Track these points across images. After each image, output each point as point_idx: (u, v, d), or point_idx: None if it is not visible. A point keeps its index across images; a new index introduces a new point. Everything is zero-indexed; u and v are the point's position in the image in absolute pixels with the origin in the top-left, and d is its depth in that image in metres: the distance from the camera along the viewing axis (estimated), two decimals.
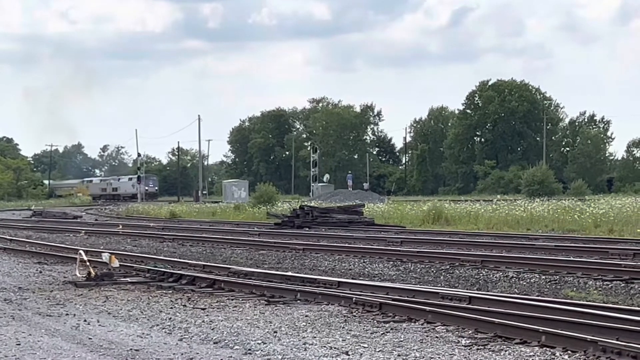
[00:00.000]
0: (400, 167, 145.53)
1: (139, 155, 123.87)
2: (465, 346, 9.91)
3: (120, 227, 39.34)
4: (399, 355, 9.48)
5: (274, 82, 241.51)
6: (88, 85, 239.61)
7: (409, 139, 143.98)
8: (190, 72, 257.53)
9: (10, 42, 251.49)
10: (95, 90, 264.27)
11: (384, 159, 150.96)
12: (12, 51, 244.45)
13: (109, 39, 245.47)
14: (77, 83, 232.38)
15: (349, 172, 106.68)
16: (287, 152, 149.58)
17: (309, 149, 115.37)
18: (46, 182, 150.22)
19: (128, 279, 17.27)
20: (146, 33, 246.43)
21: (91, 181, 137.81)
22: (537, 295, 14.53)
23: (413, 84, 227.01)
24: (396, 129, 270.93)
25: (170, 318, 12.33)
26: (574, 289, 15.65)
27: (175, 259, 22.00)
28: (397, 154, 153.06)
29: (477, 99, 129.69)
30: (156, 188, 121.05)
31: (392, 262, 20.85)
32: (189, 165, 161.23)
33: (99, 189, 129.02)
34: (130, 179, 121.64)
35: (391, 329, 11.10)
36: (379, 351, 9.72)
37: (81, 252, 18.51)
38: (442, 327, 10.97)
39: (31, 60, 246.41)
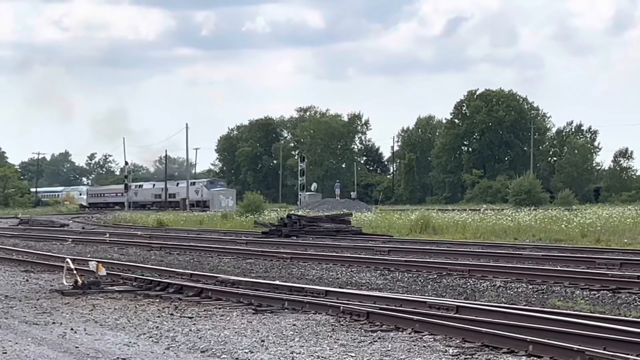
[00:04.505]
0: (388, 176, 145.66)
1: (126, 163, 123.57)
2: (452, 355, 9.91)
3: (108, 235, 39.24)
4: None
5: (265, 90, 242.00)
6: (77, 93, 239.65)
7: (396, 148, 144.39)
8: (182, 80, 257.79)
9: (2, 50, 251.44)
10: (84, 97, 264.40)
11: (371, 168, 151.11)
12: (4, 58, 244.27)
13: (101, 46, 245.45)
14: (66, 90, 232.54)
15: (337, 181, 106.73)
16: (275, 161, 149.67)
17: (296, 157, 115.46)
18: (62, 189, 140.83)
19: (115, 288, 17.22)
20: (139, 41, 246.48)
21: (141, 186, 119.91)
22: (525, 305, 14.55)
23: (404, 93, 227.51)
24: (384, 138, 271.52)
25: (158, 327, 12.30)
26: (561, 298, 15.68)
27: (163, 268, 21.94)
28: (385, 163, 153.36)
29: (464, 108, 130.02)
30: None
31: (379, 271, 20.85)
32: (176, 174, 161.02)
33: (151, 194, 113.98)
34: (193, 184, 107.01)
35: (378, 338, 11.09)
36: None
37: (68, 260, 18.45)
38: (430, 337, 10.97)
39: (23, 68, 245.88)
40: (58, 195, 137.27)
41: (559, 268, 20.09)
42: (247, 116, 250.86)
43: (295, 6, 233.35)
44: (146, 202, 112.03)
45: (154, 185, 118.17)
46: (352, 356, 9.95)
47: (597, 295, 15.83)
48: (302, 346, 10.62)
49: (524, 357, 9.66)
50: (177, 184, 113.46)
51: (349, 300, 14.05)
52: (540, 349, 9.64)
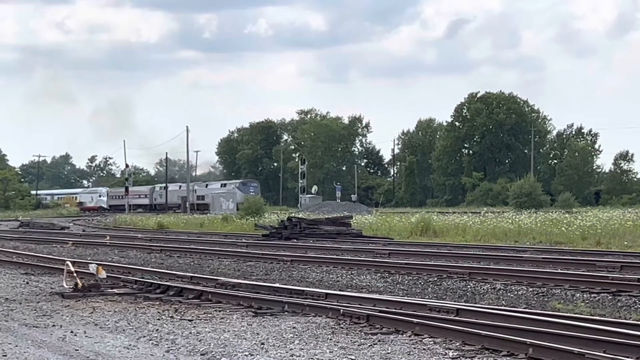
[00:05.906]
0: (388, 179, 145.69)
1: (127, 165, 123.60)
2: (452, 358, 9.91)
3: (108, 238, 39.25)
4: None
5: (267, 93, 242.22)
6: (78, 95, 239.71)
7: (397, 150, 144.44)
8: (184, 83, 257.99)
9: (4, 52, 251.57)
10: (86, 99, 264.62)
11: (372, 170, 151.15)
12: (6, 61, 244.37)
13: (104, 49, 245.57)
14: (68, 93, 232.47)
15: (337, 183, 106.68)
16: (276, 164, 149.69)
17: (297, 160, 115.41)
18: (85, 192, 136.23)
19: (115, 290, 17.21)
20: (141, 43, 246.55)
21: (166, 187, 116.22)
22: (525, 308, 14.54)
23: (406, 95, 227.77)
24: (385, 140, 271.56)
25: (157, 329, 12.29)
26: (562, 301, 15.67)
27: (163, 270, 21.95)
28: (386, 165, 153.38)
29: (465, 111, 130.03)
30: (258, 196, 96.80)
31: (379, 274, 20.84)
32: (176, 176, 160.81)
33: (177, 196, 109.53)
34: (223, 186, 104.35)
35: (378, 340, 11.09)
36: None
37: (68, 263, 18.45)
38: (430, 339, 10.97)
39: (25, 70, 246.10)
40: (76, 197, 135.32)
41: (559, 271, 20.08)
42: (249, 119, 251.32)
43: (297, 9, 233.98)
44: (171, 204, 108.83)
45: (180, 187, 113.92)
46: (352, 359, 9.94)
47: (597, 298, 15.82)
48: (302, 349, 10.62)
49: (524, 359, 9.65)
50: (207, 185, 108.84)
51: (349, 303, 14.04)
52: (540, 352, 9.63)
